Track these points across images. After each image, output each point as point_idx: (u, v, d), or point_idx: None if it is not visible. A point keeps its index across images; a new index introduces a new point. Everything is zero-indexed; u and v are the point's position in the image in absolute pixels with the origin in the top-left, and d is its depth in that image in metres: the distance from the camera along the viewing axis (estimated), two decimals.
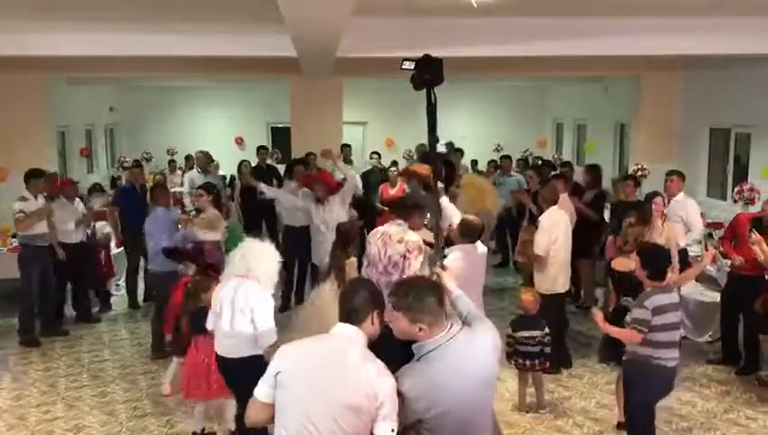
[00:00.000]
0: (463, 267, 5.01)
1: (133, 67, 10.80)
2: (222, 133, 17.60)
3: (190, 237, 6.89)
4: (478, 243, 5.34)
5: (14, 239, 8.44)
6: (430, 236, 5.23)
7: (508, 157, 11.64)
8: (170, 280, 6.87)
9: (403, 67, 3.95)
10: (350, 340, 2.76)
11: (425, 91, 3.88)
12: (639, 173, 9.68)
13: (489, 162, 13.51)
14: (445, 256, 5.10)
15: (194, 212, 10.01)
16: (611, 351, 6.05)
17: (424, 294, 2.80)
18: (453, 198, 7.26)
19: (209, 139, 16.85)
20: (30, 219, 7.39)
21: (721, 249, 7.01)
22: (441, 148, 4.49)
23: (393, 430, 2.65)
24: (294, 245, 8.42)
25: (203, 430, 5.32)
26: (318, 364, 2.69)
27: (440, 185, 5.77)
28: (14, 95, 10.78)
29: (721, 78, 10.43)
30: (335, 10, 5.18)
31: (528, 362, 5.74)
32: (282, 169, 11.25)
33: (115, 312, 8.77)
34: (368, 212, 9.38)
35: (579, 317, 8.26)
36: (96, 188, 10.41)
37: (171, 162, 15.19)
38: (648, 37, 8.01)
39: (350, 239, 5.97)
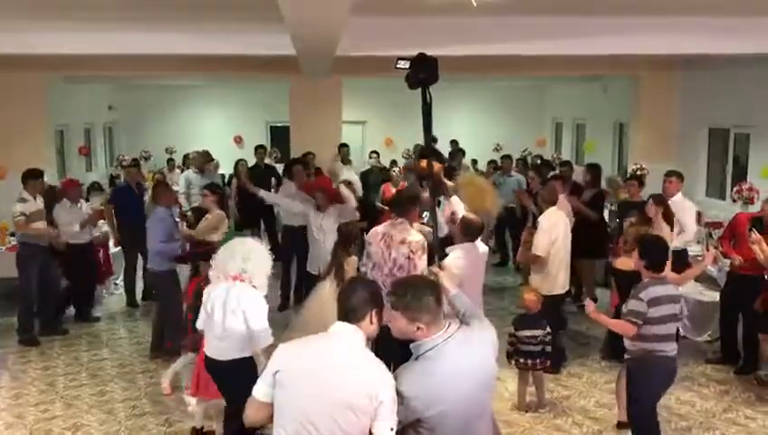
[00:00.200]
0: (463, 266, 5.01)
1: (132, 66, 10.78)
2: (221, 132, 17.60)
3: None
4: (478, 242, 5.34)
5: (12, 238, 8.44)
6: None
7: (509, 157, 11.64)
8: (170, 279, 6.88)
9: (398, 66, 3.93)
10: (348, 339, 2.75)
11: (420, 90, 3.87)
12: (638, 173, 9.67)
13: (489, 162, 13.51)
14: (446, 255, 5.11)
15: (189, 212, 10.04)
16: (614, 348, 6.06)
17: (422, 294, 2.80)
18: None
19: (208, 138, 16.85)
20: (29, 224, 7.38)
21: (720, 249, 7.01)
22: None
23: (392, 430, 2.65)
24: (294, 244, 8.41)
25: (202, 428, 5.32)
26: (317, 363, 2.69)
27: (449, 183, 5.79)
28: (13, 94, 10.76)
29: (720, 78, 10.44)
30: (334, 8, 5.17)
31: (530, 362, 5.74)
32: (281, 168, 11.25)
33: (114, 311, 8.76)
34: (369, 212, 9.36)
35: (578, 317, 8.25)
36: (95, 187, 10.43)
37: (170, 161, 15.18)
38: (647, 37, 8.01)
39: (352, 239, 5.96)
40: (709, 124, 11.01)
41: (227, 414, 4.62)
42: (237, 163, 11.10)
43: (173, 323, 6.52)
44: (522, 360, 5.77)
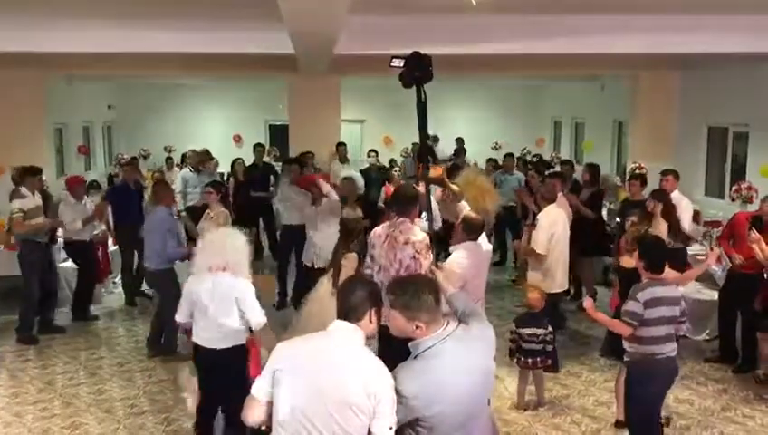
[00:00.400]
0: (467, 266, 5.01)
1: (131, 64, 10.78)
2: (220, 131, 17.61)
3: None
4: (482, 240, 5.31)
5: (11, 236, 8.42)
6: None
7: (511, 155, 11.65)
8: (168, 278, 6.88)
9: (392, 65, 3.93)
10: (348, 337, 2.75)
11: (415, 89, 3.86)
12: (637, 172, 9.68)
13: (488, 160, 13.50)
14: (443, 254, 5.10)
15: (184, 212, 10.04)
16: (614, 346, 6.06)
17: (421, 293, 2.80)
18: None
19: (207, 137, 16.85)
20: (27, 223, 7.37)
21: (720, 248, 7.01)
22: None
23: (391, 429, 2.65)
24: (293, 243, 8.40)
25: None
26: (316, 362, 2.68)
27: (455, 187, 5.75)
28: (11, 92, 10.76)
29: (719, 77, 10.44)
30: (333, 6, 5.17)
31: (530, 360, 5.75)
32: (279, 166, 11.24)
33: (112, 310, 8.75)
34: (371, 211, 9.35)
35: (577, 316, 8.26)
36: (93, 186, 10.42)
37: (168, 160, 15.17)
38: (646, 36, 8.01)
39: (354, 235, 5.93)
40: (708, 123, 11.02)
41: (231, 411, 4.64)
42: (234, 162, 11.08)
43: (172, 321, 6.52)
44: (523, 358, 5.78)
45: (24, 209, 7.36)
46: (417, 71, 3.82)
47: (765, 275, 6.26)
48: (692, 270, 5.80)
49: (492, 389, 3.09)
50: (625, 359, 4.73)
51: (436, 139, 16.53)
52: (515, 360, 5.86)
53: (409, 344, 2.85)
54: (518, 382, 5.98)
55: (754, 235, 5.98)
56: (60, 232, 8.71)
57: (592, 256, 8.33)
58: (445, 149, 15.69)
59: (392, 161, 14.78)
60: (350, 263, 5.57)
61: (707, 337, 7.32)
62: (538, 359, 5.75)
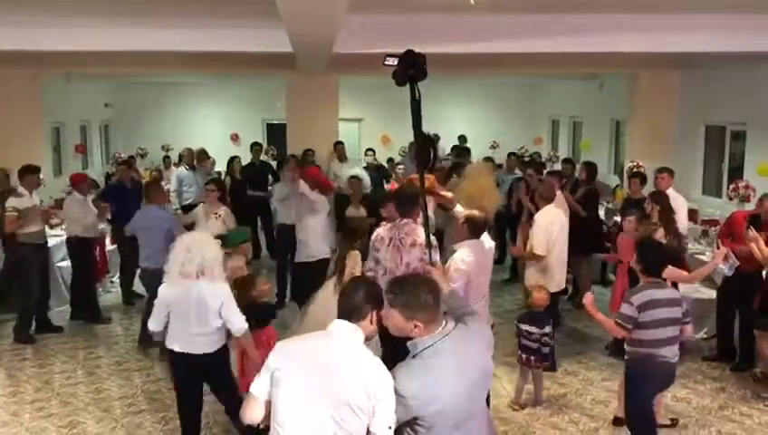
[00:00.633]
0: (472, 264, 5.01)
1: (128, 63, 10.77)
2: (217, 130, 17.59)
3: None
4: (485, 237, 5.31)
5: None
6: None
7: (514, 154, 11.65)
8: (162, 275, 6.86)
9: (386, 63, 3.91)
10: (348, 337, 2.75)
11: (409, 87, 3.82)
12: (635, 170, 9.69)
13: (484, 159, 13.47)
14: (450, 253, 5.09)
15: (180, 210, 10.03)
16: (620, 346, 6.05)
17: (420, 292, 2.80)
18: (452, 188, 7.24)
19: (205, 135, 16.84)
20: (20, 221, 7.35)
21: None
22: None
23: (390, 428, 2.65)
24: (290, 242, 8.39)
25: None
26: (315, 361, 2.68)
27: (447, 194, 5.70)
28: (7, 91, 10.73)
29: (717, 76, 10.45)
30: (331, 6, 5.16)
31: (525, 356, 5.77)
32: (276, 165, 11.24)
33: (110, 309, 8.72)
34: (374, 211, 9.34)
35: (575, 314, 8.27)
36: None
37: (166, 159, 15.15)
38: (644, 35, 8.01)
39: (358, 234, 5.91)
40: (706, 122, 11.03)
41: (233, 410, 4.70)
42: (231, 161, 11.03)
43: None
44: (519, 353, 5.80)
45: (20, 208, 7.34)
46: (411, 69, 3.79)
47: (764, 274, 6.26)
48: (700, 269, 5.80)
49: (490, 387, 3.08)
50: (625, 358, 4.74)
51: (436, 137, 16.52)
52: (517, 357, 5.87)
53: (408, 344, 2.85)
54: (518, 379, 5.99)
55: (752, 233, 5.98)
56: (62, 227, 8.73)
57: (585, 254, 8.32)
58: (446, 148, 15.68)
59: (390, 160, 14.77)
60: (353, 260, 5.54)
61: (705, 336, 7.33)
62: (532, 357, 5.76)
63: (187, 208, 9.90)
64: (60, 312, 8.34)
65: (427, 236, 4.18)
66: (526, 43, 8.08)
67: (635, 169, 9.67)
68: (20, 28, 7.70)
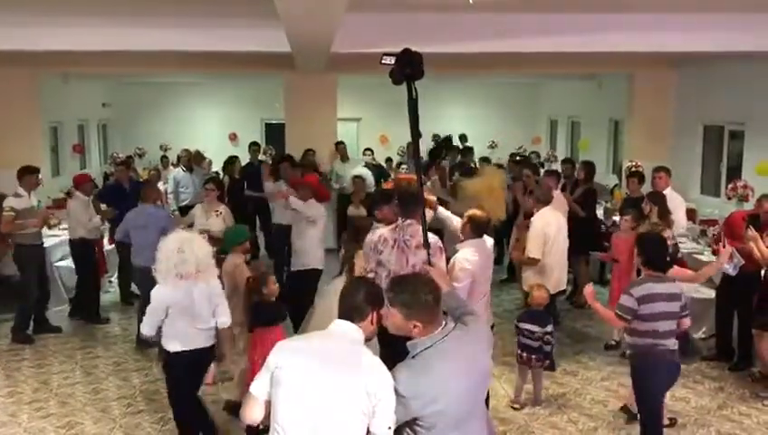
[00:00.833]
0: (476, 262, 5.01)
1: (126, 63, 10.75)
2: (216, 129, 17.57)
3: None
4: (485, 236, 5.31)
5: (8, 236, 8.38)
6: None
7: (515, 155, 11.64)
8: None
9: (383, 62, 3.90)
10: (348, 337, 2.75)
11: (406, 86, 3.81)
12: (633, 170, 9.70)
13: (481, 159, 13.49)
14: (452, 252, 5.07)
15: (177, 212, 10.02)
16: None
17: (420, 292, 2.80)
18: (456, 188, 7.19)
19: (203, 135, 16.85)
20: (18, 222, 7.34)
21: (715, 246, 7.02)
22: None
23: (390, 428, 2.65)
24: (286, 243, 8.37)
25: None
26: (315, 361, 2.67)
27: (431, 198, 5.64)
28: (5, 90, 10.70)
29: (715, 75, 10.45)
30: (330, 6, 5.15)
31: (526, 355, 5.77)
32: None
33: (108, 309, 8.71)
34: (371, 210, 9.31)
35: (573, 314, 8.28)
36: None
37: (164, 158, 15.14)
38: (642, 34, 8.01)
39: (363, 233, 5.88)
40: (704, 121, 11.03)
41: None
42: (228, 161, 10.96)
43: None
44: (520, 352, 5.80)
45: (17, 209, 7.33)
46: (408, 68, 3.78)
47: (762, 273, 6.26)
48: (704, 269, 5.79)
49: (489, 387, 3.08)
50: (628, 353, 4.76)
51: (437, 137, 16.51)
52: (516, 356, 5.87)
53: (407, 344, 2.85)
54: (516, 378, 5.99)
55: (752, 232, 5.98)
56: (60, 227, 8.72)
57: (581, 253, 8.31)
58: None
59: (389, 160, 14.77)
60: (362, 261, 5.51)
61: (704, 335, 7.33)
62: (533, 356, 5.76)
63: (185, 210, 9.89)
64: (58, 312, 8.33)
65: (425, 237, 4.16)
66: (524, 42, 8.09)
67: (633, 169, 9.68)
68: (18, 28, 7.69)
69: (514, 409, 5.84)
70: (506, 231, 10.56)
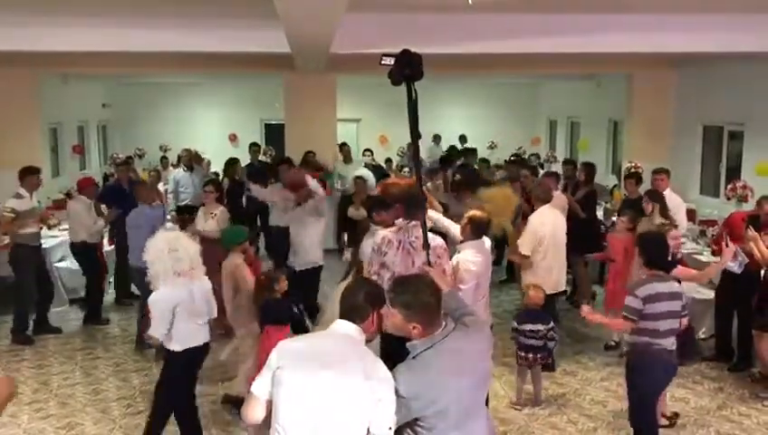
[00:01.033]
0: (479, 263, 5.01)
1: (126, 63, 10.75)
2: (216, 130, 17.57)
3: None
4: (484, 236, 5.32)
5: (5, 237, 8.37)
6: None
7: (516, 155, 11.63)
8: None
9: (382, 63, 3.90)
10: (349, 337, 2.75)
11: (406, 87, 3.81)
12: (633, 171, 9.71)
13: (480, 160, 13.49)
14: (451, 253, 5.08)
15: (174, 212, 10.02)
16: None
17: (422, 293, 2.80)
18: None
19: (203, 135, 16.85)
20: (16, 223, 7.35)
21: (715, 247, 7.03)
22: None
23: (390, 429, 2.65)
24: (286, 244, 8.36)
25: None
26: (317, 361, 2.67)
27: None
28: (5, 91, 10.70)
29: (714, 76, 10.46)
30: (330, 5, 5.15)
31: (531, 356, 5.79)
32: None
33: (107, 309, 8.71)
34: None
35: (573, 314, 8.27)
36: None
37: (164, 159, 15.15)
38: (641, 34, 8.02)
39: (364, 234, 5.89)
40: (703, 122, 11.04)
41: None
42: (228, 163, 10.90)
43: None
44: (522, 354, 5.80)
45: (18, 210, 7.33)
46: (407, 69, 3.78)
47: (762, 274, 6.26)
48: (708, 268, 5.80)
49: (489, 387, 3.08)
50: (626, 350, 4.77)
51: (437, 138, 16.52)
52: (515, 358, 5.88)
53: (408, 345, 2.85)
54: (516, 379, 5.99)
55: (752, 233, 5.99)
56: (59, 228, 8.72)
57: (581, 253, 8.30)
58: (442, 147, 15.70)
59: (388, 161, 14.77)
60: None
61: (703, 336, 7.34)
62: (538, 355, 5.78)
63: (184, 209, 9.89)
64: (58, 313, 8.33)
65: (425, 238, 4.16)
66: (523, 43, 8.09)
67: (632, 170, 9.69)
68: (18, 28, 7.68)
69: (517, 409, 5.85)
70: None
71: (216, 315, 5.00)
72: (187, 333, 4.69)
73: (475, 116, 18.11)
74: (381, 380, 2.64)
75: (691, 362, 6.61)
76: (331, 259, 7.82)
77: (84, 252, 8.03)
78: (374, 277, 4.70)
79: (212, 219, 7.61)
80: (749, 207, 8.08)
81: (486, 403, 3.33)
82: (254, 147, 11.94)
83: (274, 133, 16.18)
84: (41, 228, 7.93)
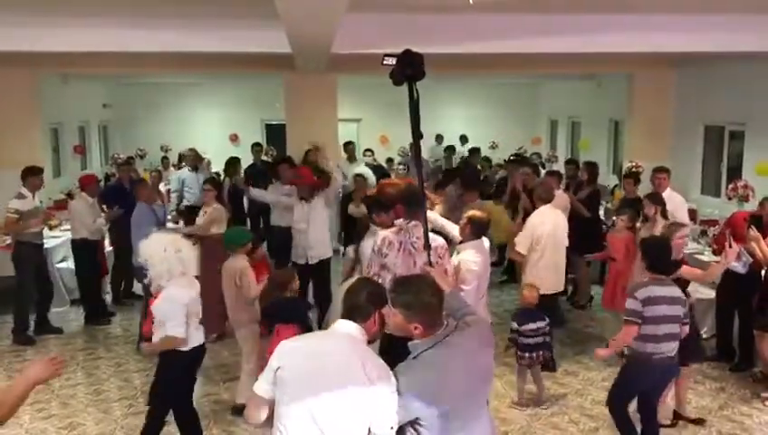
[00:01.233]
0: (480, 263, 5.01)
1: (126, 63, 10.73)
2: (216, 130, 17.57)
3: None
4: (483, 237, 5.33)
5: (7, 237, 8.38)
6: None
7: (517, 155, 11.64)
8: None
9: (384, 63, 3.90)
10: (351, 337, 2.75)
11: (407, 87, 3.81)
12: (633, 170, 9.71)
13: (483, 159, 13.51)
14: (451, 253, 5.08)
15: (174, 212, 10.02)
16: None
17: (423, 293, 2.80)
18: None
19: (203, 135, 16.83)
20: (21, 224, 7.36)
21: (716, 246, 7.02)
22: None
23: (392, 428, 2.65)
24: (287, 246, 8.36)
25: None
26: (318, 361, 2.68)
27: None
28: (5, 91, 10.69)
29: (715, 76, 10.45)
30: (331, 5, 5.15)
31: (534, 355, 5.80)
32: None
33: (109, 309, 8.72)
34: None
35: (574, 314, 8.28)
36: None
37: (164, 159, 15.15)
38: (642, 34, 8.01)
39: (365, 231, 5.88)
40: (704, 122, 11.03)
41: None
42: (228, 162, 10.87)
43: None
44: (526, 354, 5.82)
45: (22, 211, 7.34)
46: (409, 69, 3.77)
47: (763, 274, 6.26)
48: (712, 268, 5.81)
49: (491, 387, 3.09)
50: (626, 353, 4.78)
51: (440, 138, 16.51)
52: (516, 358, 5.88)
53: (409, 344, 2.86)
54: (517, 380, 6.00)
55: (754, 232, 5.99)
56: (60, 229, 8.71)
57: (583, 253, 8.31)
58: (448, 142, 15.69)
59: (389, 160, 14.76)
60: None
61: (705, 335, 7.32)
62: (540, 353, 5.82)
63: (190, 209, 9.88)
64: (59, 313, 8.33)
65: (426, 238, 4.16)
66: (524, 43, 8.08)
67: (633, 170, 9.69)
68: (18, 28, 7.68)
69: (521, 410, 5.85)
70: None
71: (201, 316, 4.95)
72: (192, 333, 4.68)
73: (476, 116, 18.11)
74: (383, 379, 2.64)
75: (696, 363, 6.60)
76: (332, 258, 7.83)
77: (84, 249, 8.03)
78: (374, 279, 4.69)
79: (203, 215, 7.56)
80: (750, 206, 8.07)
81: (486, 403, 3.33)
82: (256, 147, 11.93)
83: (275, 133, 16.18)
84: (42, 228, 7.93)
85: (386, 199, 5.13)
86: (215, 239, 7.00)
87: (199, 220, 7.56)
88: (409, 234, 4.60)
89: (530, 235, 6.54)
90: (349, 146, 11.99)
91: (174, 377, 4.80)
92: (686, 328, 4.69)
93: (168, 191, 11.60)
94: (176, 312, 4.53)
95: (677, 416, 5.61)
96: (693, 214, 9.26)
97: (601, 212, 9.74)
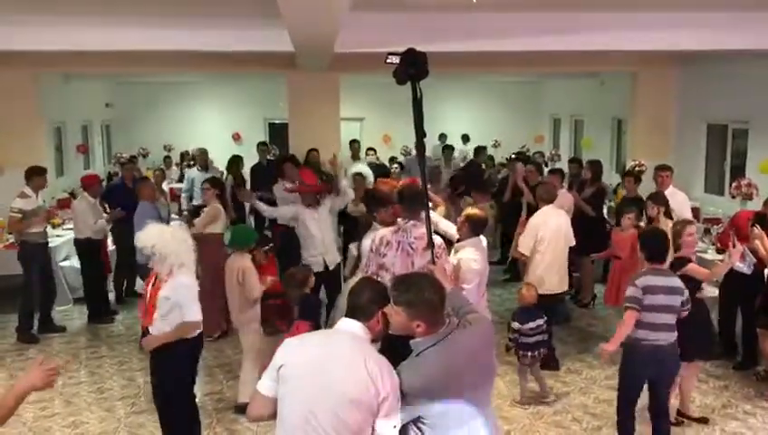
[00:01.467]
0: (480, 261, 5.01)
1: (127, 62, 10.74)
2: (219, 129, 17.57)
3: None
4: (481, 235, 5.33)
5: (10, 236, 8.40)
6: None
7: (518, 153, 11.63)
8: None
9: (387, 61, 3.90)
10: (354, 336, 2.75)
11: (410, 86, 3.80)
12: (637, 169, 9.69)
13: (486, 158, 13.50)
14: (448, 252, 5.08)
15: (185, 212, 10.02)
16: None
17: (425, 291, 2.80)
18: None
19: (206, 135, 16.82)
20: (24, 223, 7.38)
21: (719, 245, 7.01)
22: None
23: (395, 427, 2.65)
24: (292, 245, 8.34)
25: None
26: (321, 359, 2.68)
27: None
28: (7, 91, 10.71)
29: (718, 73, 10.42)
30: (333, 4, 5.15)
31: (537, 353, 5.82)
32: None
33: (111, 308, 8.73)
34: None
35: (577, 313, 8.27)
36: None
37: (167, 158, 15.16)
38: (645, 32, 8.01)
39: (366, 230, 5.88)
40: (707, 120, 11.00)
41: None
42: (231, 161, 10.85)
43: None
44: (528, 353, 5.82)
45: (25, 210, 7.36)
46: (412, 68, 3.77)
47: (766, 273, 6.24)
48: (716, 268, 5.80)
49: (493, 386, 3.08)
50: (624, 341, 4.81)
51: (443, 137, 16.50)
52: (517, 357, 5.88)
53: (411, 343, 2.85)
54: (519, 379, 6.00)
55: (758, 231, 5.98)
56: (63, 227, 8.73)
57: (587, 253, 8.30)
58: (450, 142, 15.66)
59: (392, 159, 14.75)
60: None
61: None
62: (541, 350, 5.84)
63: (197, 209, 9.88)
64: (62, 311, 8.35)
65: (429, 237, 4.14)
66: (527, 41, 8.08)
67: (637, 168, 9.68)
68: (18, 28, 7.69)
69: (524, 408, 5.85)
70: (511, 229, 10.56)
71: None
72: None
73: (479, 114, 18.10)
74: (385, 377, 2.64)
75: (702, 360, 6.57)
76: None
77: (88, 249, 8.05)
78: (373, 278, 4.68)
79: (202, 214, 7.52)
80: (753, 204, 8.05)
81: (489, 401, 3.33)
82: (262, 146, 11.91)
83: (278, 132, 16.19)
84: (45, 226, 7.95)
85: (380, 196, 5.15)
86: (211, 238, 7.00)
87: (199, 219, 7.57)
88: (407, 234, 4.56)
89: (532, 235, 6.53)
90: (354, 144, 11.98)
91: (179, 367, 4.68)
92: (685, 313, 4.69)
93: (171, 190, 11.62)
94: (193, 297, 4.51)
95: (681, 414, 5.61)
96: (696, 212, 9.25)
97: (605, 211, 9.72)
